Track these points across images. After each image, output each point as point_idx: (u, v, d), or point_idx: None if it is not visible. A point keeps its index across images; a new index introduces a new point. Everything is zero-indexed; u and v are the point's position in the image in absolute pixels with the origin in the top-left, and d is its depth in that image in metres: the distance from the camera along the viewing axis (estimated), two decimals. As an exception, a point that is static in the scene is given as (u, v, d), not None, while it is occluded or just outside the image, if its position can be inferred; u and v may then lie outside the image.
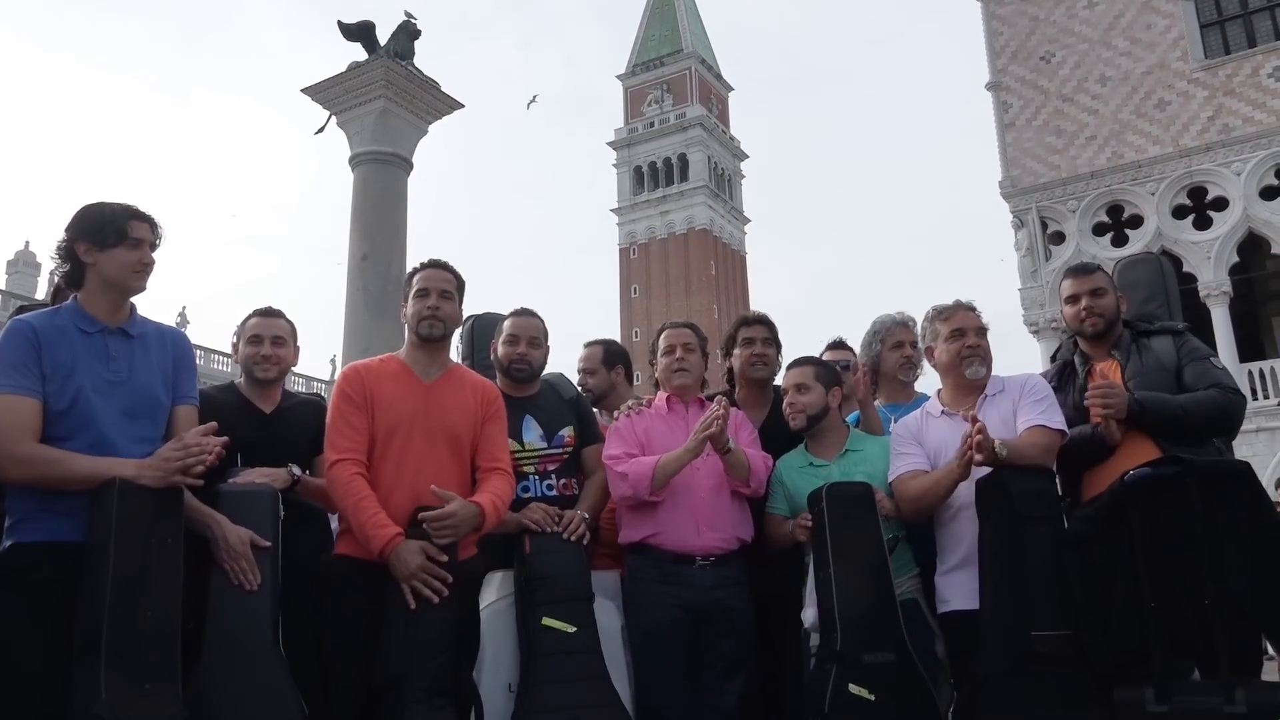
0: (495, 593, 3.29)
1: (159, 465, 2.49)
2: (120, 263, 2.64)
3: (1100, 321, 3.34)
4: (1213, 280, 18.31)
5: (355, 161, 10.07)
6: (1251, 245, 18.81)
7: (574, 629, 3.14)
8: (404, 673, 2.74)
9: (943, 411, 3.31)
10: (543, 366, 3.65)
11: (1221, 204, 18.74)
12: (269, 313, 3.49)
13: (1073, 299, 3.40)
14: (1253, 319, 21.10)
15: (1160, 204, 19.10)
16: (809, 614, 3.22)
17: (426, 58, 10.61)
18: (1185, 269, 18.35)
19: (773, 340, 3.83)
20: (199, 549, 2.67)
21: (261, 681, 2.67)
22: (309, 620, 2.91)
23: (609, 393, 4.16)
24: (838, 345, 4.38)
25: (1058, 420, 3.08)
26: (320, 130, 10.80)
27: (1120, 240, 19.46)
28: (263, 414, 3.34)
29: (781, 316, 3.93)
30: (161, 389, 2.72)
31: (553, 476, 3.52)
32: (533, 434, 3.53)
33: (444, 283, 3.19)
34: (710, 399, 3.58)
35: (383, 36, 10.67)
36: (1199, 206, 19.01)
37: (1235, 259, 18.64)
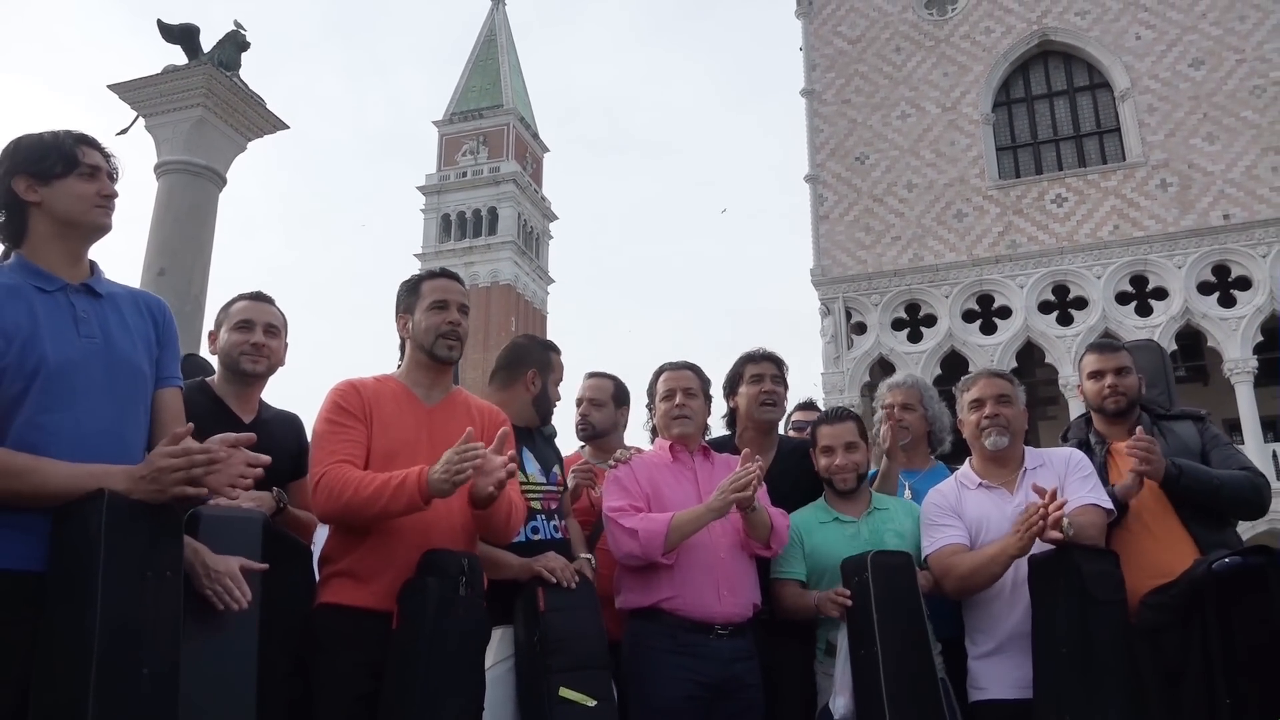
0: (492, 655, 2.71)
1: (154, 475, 1.86)
2: (75, 194, 2.07)
3: (1123, 400, 3.27)
4: (993, 382, 19.53)
5: (162, 170, 9.08)
6: (1027, 353, 20.46)
7: (594, 703, 2.63)
8: None
9: (980, 484, 3.11)
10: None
11: (1006, 312, 20.32)
12: (260, 297, 2.97)
13: (1096, 375, 3.31)
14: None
15: (953, 306, 20.54)
16: (840, 702, 2.84)
17: (247, 73, 9.90)
18: (970, 369, 19.54)
19: (782, 378, 3.55)
20: None
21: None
22: (286, 676, 2.36)
23: (611, 432, 3.75)
24: (808, 406, 4.20)
25: (1106, 499, 2.95)
26: (124, 131, 9.77)
27: (916, 337, 20.77)
28: (240, 422, 2.76)
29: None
30: (145, 360, 2.10)
31: (555, 517, 3.11)
32: (533, 467, 3.13)
33: (462, 295, 2.81)
34: (716, 446, 3.31)
35: (207, 44, 9.86)
36: (986, 313, 20.57)
37: (1014, 364, 20.11)
